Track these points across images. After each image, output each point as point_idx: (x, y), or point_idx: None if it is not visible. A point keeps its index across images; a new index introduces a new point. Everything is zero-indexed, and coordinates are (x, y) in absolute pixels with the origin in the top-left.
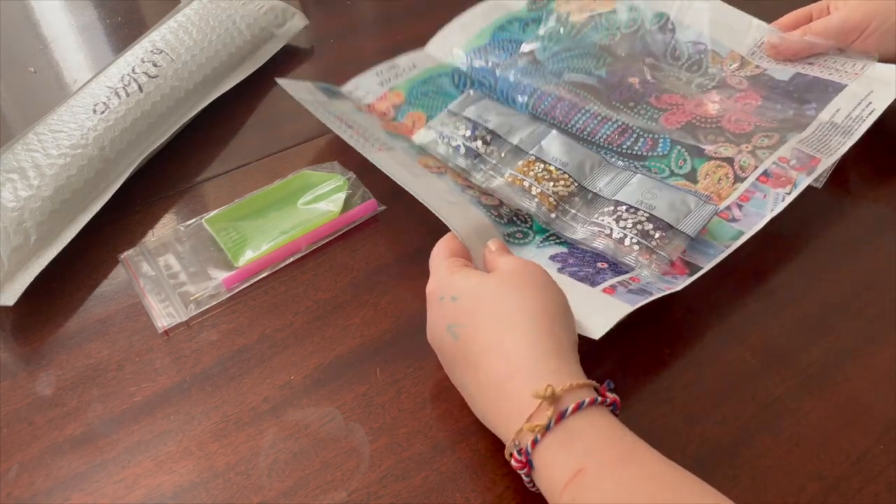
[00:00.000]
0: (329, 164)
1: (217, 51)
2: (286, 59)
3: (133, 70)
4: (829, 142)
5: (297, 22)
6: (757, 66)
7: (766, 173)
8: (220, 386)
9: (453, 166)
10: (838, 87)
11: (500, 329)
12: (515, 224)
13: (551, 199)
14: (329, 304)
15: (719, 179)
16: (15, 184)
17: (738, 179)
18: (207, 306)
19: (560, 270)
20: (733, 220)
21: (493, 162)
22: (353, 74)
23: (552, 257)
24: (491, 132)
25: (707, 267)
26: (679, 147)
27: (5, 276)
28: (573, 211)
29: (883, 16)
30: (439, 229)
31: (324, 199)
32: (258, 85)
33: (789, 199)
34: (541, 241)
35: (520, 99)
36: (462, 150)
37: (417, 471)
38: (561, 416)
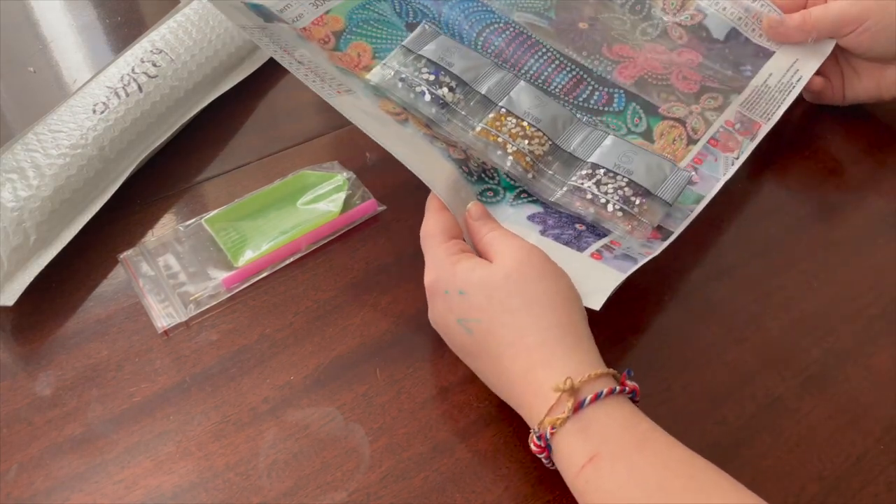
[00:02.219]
0: (329, 164)
1: (217, 51)
2: None
3: (133, 70)
4: (767, 106)
5: None
6: (697, 10)
7: (714, 137)
8: (220, 386)
9: (416, 114)
10: (768, 54)
11: (518, 325)
12: (484, 181)
13: (527, 159)
14: (329, 304)
15: (674, 140)
16: (14, 184)
17: (690, 141)
18: (207, 306)
19: (542, 233)
20: (691, 182)
21: (462, 113)
22: None
23: (530, 217)
24: (456, 78)
25: (678, 231)
26: (634, 104)
27: (5, 276)
28: (549, 171)
29: (880, 14)
30: None
31: (324, 199)
32: (258, 85)
33: (738, 164)
34: (513, 199)
35: (468, 34)
36: (427, 96)
37: (417, 471)
38: (579, 406)
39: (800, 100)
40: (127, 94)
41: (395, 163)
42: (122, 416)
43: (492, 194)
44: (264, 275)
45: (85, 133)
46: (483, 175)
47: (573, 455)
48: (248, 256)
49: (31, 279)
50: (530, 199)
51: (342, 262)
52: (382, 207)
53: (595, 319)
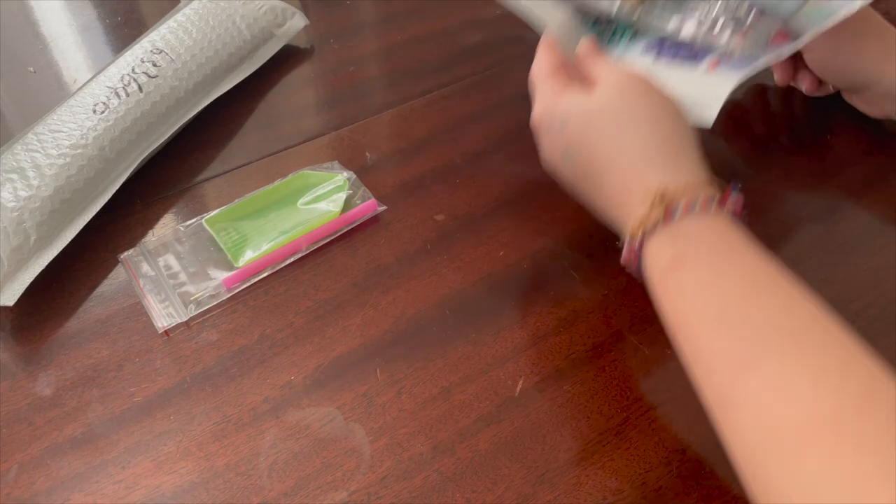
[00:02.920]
0: (329, 163)
1: (217, 51)
2: (286, 59)
3: (133, 70)
4: None
5: (297, 22)
6: None
7: None
8: (220, 386)
9: None
10: None
11: (616, 145)
12: (600, 23)
13: None
14: (329, 304)
15: None
16: (14, 184)
17: None
18: (207, 306)
19: (657, 57)
20: None
21: None
22: (353, 75)
23: (644, 51)
24: None
25: (812, 31)
26: None
27: (5, 276)
28: (660, 3)
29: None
30: (441, 233)
31: (324, 199)
32: (258, 85)
33: None
34: (629, 41)
35: None
36: None
37: (418, 471)
38: (671, 215)
39: (799, 102)
40: (127, 94)
41: (396, 162)
42: (122, 416)
43: (609, 35)
44: (265, 275)
45: (85, 133)
46: (598, 20)
47: (659, 258)
48: (248, 256)
49: (31, 279)
50: (645, 35)
51: (342, 262)
52: (382, 207)
53: (595, 319)
